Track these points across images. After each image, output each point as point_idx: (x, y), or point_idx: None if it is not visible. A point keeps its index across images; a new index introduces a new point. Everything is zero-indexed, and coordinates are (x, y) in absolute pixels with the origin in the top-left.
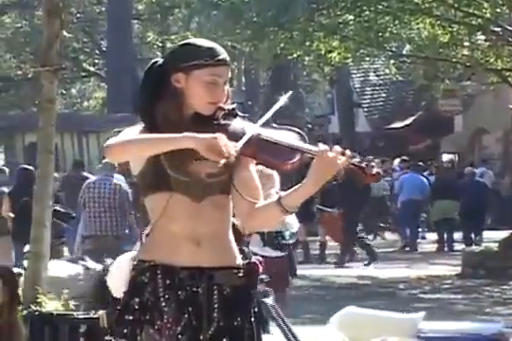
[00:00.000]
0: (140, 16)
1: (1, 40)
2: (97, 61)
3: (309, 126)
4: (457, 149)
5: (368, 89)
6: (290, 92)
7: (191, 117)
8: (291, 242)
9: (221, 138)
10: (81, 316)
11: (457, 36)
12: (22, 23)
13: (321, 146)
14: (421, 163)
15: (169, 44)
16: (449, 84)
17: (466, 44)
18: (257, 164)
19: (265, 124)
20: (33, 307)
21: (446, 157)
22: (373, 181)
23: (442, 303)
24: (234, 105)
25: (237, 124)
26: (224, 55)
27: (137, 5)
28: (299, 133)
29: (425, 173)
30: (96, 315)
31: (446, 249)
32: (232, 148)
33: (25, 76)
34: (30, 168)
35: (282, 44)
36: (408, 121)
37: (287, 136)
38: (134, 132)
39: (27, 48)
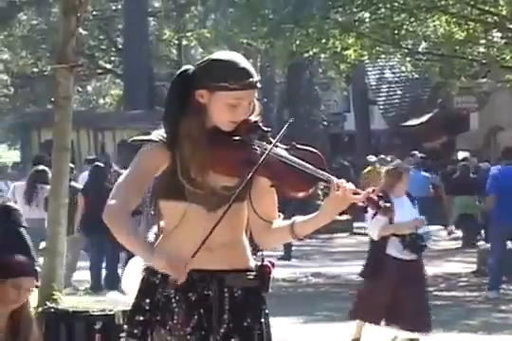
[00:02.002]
0: (156, 13)
1: (17, 37)
2: (113, 58)
3: (325, 123)
4: (473, 146)
5: (384, 86)
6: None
7: (213, 132)
8: (427, 244)
9: (175, 264)
10: (96, 313)
11: (473, 33)
12: (38, 20)
13: (338, 180)
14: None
15: (185, 42)
16: (465, 82)
17: (482, 41)
18: (271, 186)
19: (287, 143)
20: (49, 304)
21: (461, 155)
22: (384, 214)
23: (458, 301)
24: (258, 118)
25: (258, 142)
26: (252, 78)
27: (153, 2)
28: (318, 155)
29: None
30: (112, 312)
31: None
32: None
33: (41, 73)
34: (102, 164)
35: (297, 42)
36: (423, 119)
37: (306, 160)
38: (141, 167)
39: (43, 46)
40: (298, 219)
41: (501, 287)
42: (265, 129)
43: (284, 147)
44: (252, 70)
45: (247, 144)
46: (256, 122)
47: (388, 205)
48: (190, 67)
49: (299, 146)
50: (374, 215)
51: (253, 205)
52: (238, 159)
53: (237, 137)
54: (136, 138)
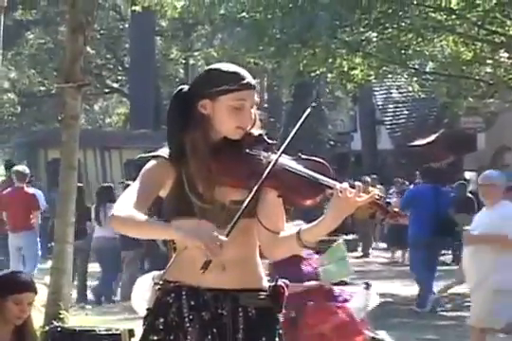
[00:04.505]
0: (163, 33)
1: (25, 56)
2: (120, 77)
3: (331, 143)
4: (480, 166)
5: (390, 106)
6: (309, 109)
7: (218, 144)
8: None
9: (208, 229)
10: (102, 332)
11: (480, 54)
12: (45, 39)
13: (343, 184)
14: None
15: (192, 61)
16: (472, 102)
17: (489, 61)
18: (278, 196)
19: (293, 154)
20: (55, 323)
21: (468, 175)
22: (392, 219)
23: (463, 321)
24: (262, 131)
25: (263, 153)
26: (248, 79)
27: (161, 21)
28: (325, 165)
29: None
30: (118, 331)
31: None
32: (218, 240)
33: (48, 92)
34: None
35: (305, 61)
36: (430, 139)
37: (312, 170)
38: (146, 180)
39: (50, 64)
40: (303, 226)
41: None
42: (270, 141)
43: (290, 158)
44: (247, 73)
45: (253, 155)
46: (261, 135)
47: (396, 209)
48: (185, 86)
49: (304, 156)
50: (382, 220)
51: (259, 217)
52: (244, 171)
53: (242, 149)
54: (142, 155)
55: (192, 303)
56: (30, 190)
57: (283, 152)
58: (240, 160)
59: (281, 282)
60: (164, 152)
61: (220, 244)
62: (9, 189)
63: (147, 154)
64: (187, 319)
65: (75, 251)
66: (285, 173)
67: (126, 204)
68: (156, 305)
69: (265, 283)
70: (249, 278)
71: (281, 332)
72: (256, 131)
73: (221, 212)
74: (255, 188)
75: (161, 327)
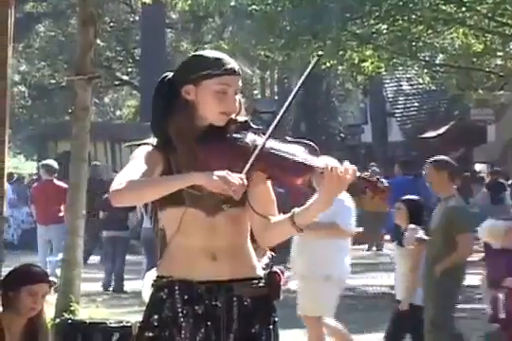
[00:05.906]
0: (174, 25)
1: (35, 48)
2: (130, 69)
3: (342, 135)
4: (490, 159)
5: (401, 98)
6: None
7: (203, 131)
8: None
9: (227, 175)
10: (113, 325)
11: (490, 45)
12: (56, 31)
13: (332, 164)
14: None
15: None
16: (482, 94)
17: (500, 53)
18: (267, 179)
19: (280, 137)
20: (66, 315)
21: (478, 167)
22: (383, 196)
23: (475, 313)
24: (247, 118)
25: (249, 137)
26: (232, 64)
27: (171, 14)
28: (312, 146)
29: None
30: (129, 324)
31: None
32: (237, 177)
33: (58, 84)
34: None
35: (314, 54)
36: (441, 131)
37: (299, 150)
38: (141, 161)
39: (60, 57)
40: (297, 209)
41: None
42: (256, 127)
43: (277, 141)
44: (230, 59)
45: (239, 141)
46: (246, 121)
47: (386, 185)
48: (168, 73)
49: (290, 139)
50: (372, 198)
51: (250, 202)
52: (231, 156)
53: (228, 135)
54: (130, 143)
55: (186, 297)
56: (61, 184)
57: (270, 137)
58: (226, 146)
59: (276, 269)
60: (151, 141)
61: (242, 184)
62: (37, 183)
63: (134, 142)
64: (180, 314)
65: (114, 241)
66: (272, 155)
67: (126, 179)
68: (151, 301)
69: (260, 271)
70: (242, 267)
71: (276, 319)
72: (242, 117)
73: (210, 199)
74: (244, 170)
75: (156, 323)
